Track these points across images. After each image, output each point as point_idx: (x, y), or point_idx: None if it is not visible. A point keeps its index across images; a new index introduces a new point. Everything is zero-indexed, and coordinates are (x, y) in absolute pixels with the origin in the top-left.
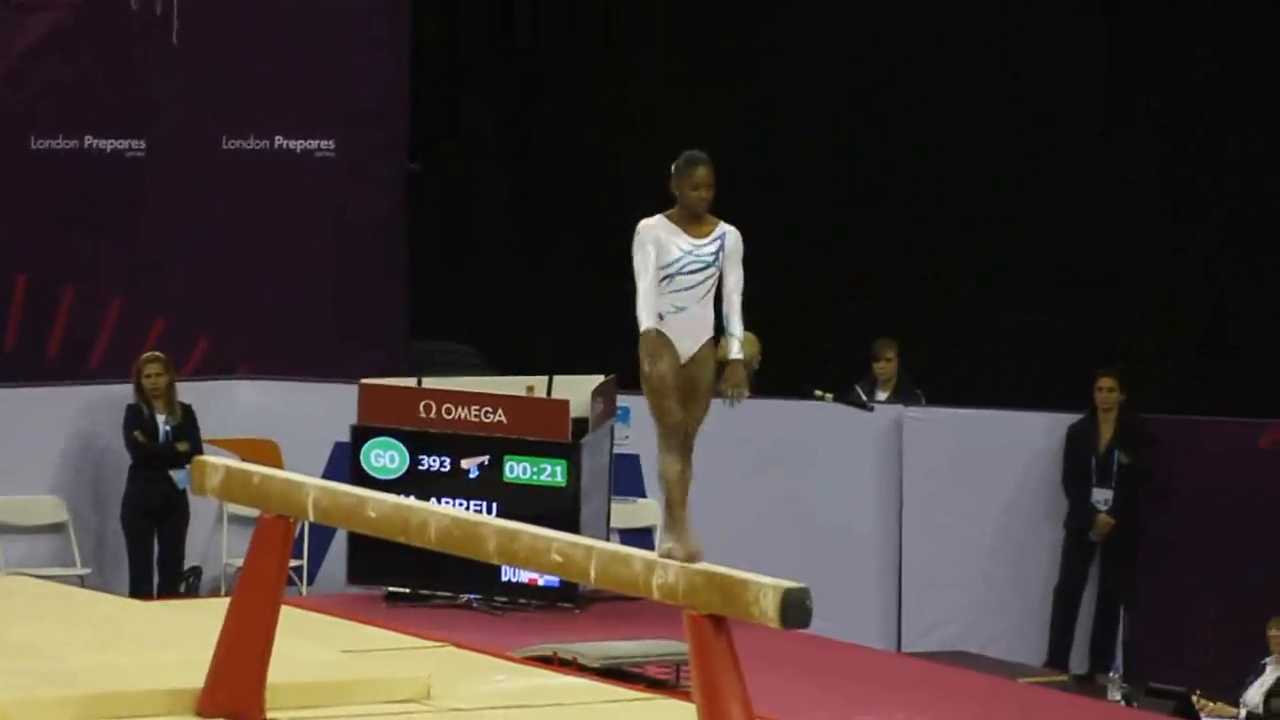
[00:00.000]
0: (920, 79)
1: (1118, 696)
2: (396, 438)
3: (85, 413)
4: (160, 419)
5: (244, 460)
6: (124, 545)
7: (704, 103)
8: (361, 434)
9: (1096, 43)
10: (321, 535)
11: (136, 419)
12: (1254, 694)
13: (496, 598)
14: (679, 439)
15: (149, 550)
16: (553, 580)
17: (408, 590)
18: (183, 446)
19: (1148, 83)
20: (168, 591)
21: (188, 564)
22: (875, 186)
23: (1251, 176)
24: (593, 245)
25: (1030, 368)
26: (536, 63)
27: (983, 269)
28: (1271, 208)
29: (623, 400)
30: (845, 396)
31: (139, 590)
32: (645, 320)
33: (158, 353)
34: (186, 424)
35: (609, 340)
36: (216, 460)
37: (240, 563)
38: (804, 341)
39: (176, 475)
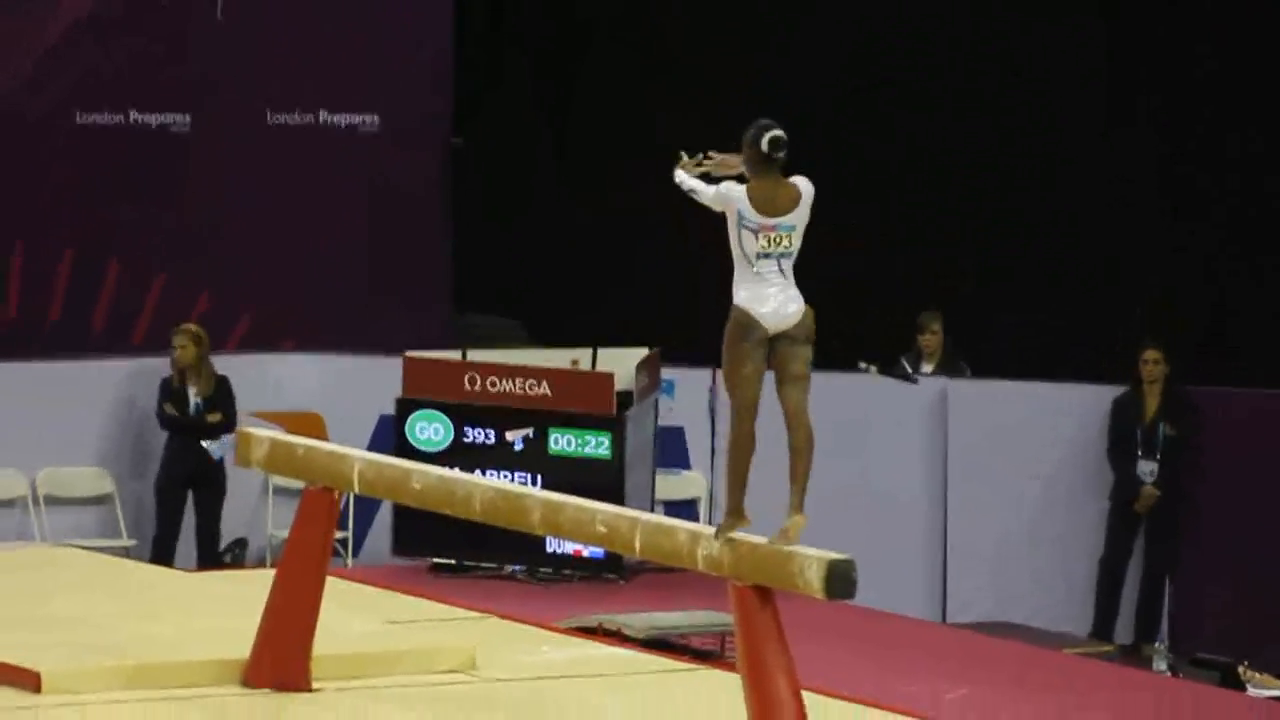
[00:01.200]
0: (962, 52)
1: (1163, 666)
2: (441, 410)
3: (130, 386)
4: (191, 391)
5: (289, 433)
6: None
7: (746, 58)
8: (406, 407)
9: None
10: (366, 507)
11: (167, 391)
12: None
13: (541, 569)
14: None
15: (178, 520)
16: (598, 552)
17: (453, 562)
18: (214, 418)
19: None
20: (207, 562)
21: (233, 536)
22: (921, 158)
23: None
24: (636, 221)
25: (1075, 340)
26: (580, 27)
27: (1028, 241)
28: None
29: (667, 373)
30: (890, 369)
31: (160, 559)
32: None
33: (189, 325)
34: (220, 395)
35: (653, 313)
36: (261, 432)
37: (285, 534)
38: (849, 314)
39: (210, 446)
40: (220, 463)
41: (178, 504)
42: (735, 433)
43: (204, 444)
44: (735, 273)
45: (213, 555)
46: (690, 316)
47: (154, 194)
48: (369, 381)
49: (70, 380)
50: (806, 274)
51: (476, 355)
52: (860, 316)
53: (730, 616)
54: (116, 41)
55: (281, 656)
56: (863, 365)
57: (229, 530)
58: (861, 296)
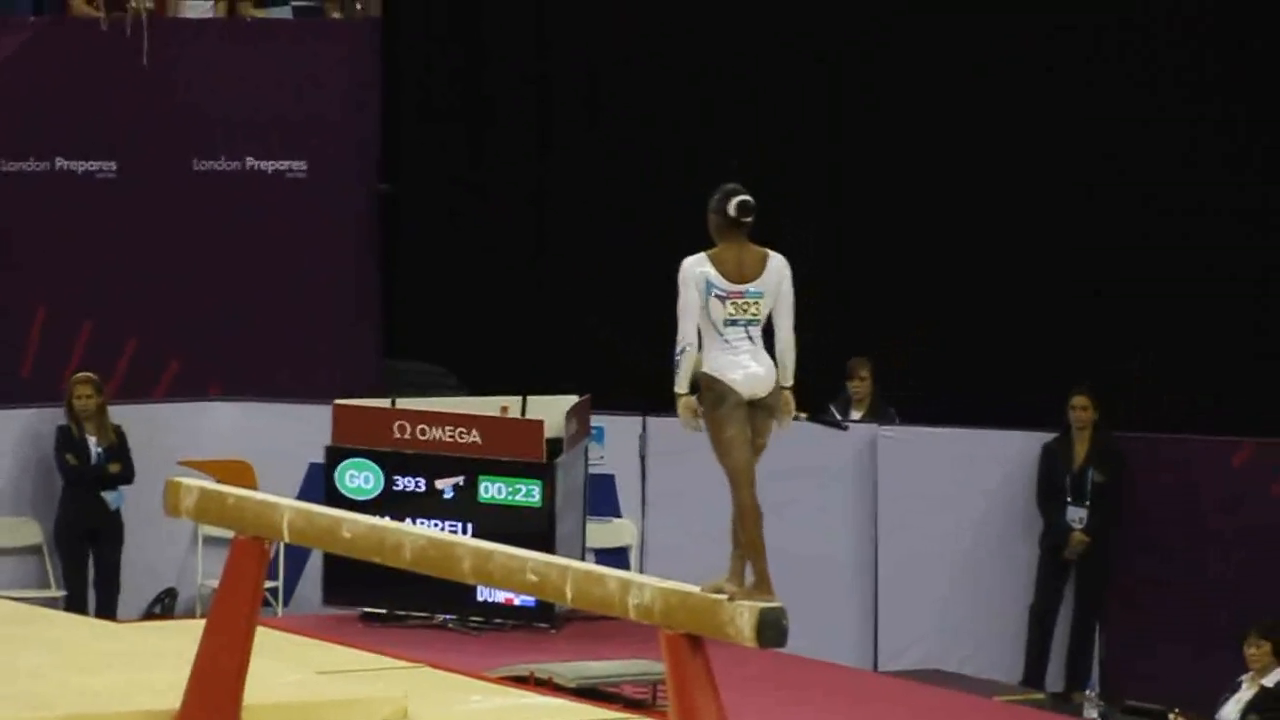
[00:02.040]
0: (886, 100)
1: (1094, 714)
2: (371, 458)
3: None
4: (91, 441)
5: (218, 481)
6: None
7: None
8: (336, 455)
9: (1060, 56)
10: (297, 556)
11: (67, 441)
12: (1230, 710)
13: (472, 618)
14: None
15: (84, 571)
16: (528, 600)
17: (383, 611)
18: (114, 468)
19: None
20: (105, 613)
21: (163, 585)
22: (848, 204)
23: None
24: (566, 268)
25: (1004, 387)
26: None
27: (957, 286)
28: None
29: (597, 420)
30: (819, 416)
31: (74, 611)
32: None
33: (89, 374)
34: (118, 446)
35: (583, 360)
36: (190, 481)
37: (215, 584)
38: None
39: (109, 497)
40: (118, 513)
41: (82, 556)
42: (736, 503)
43: (103, 495)
44: (703, 341)
45: (112, 605)
46: (620, 364)
47: (81, 241)
48: (298, 429)
49: None
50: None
51: (406, 403)
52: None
53: (661, 665)
54: (41, 88)
55: (211, 707)
56: None
57: (158, 580)
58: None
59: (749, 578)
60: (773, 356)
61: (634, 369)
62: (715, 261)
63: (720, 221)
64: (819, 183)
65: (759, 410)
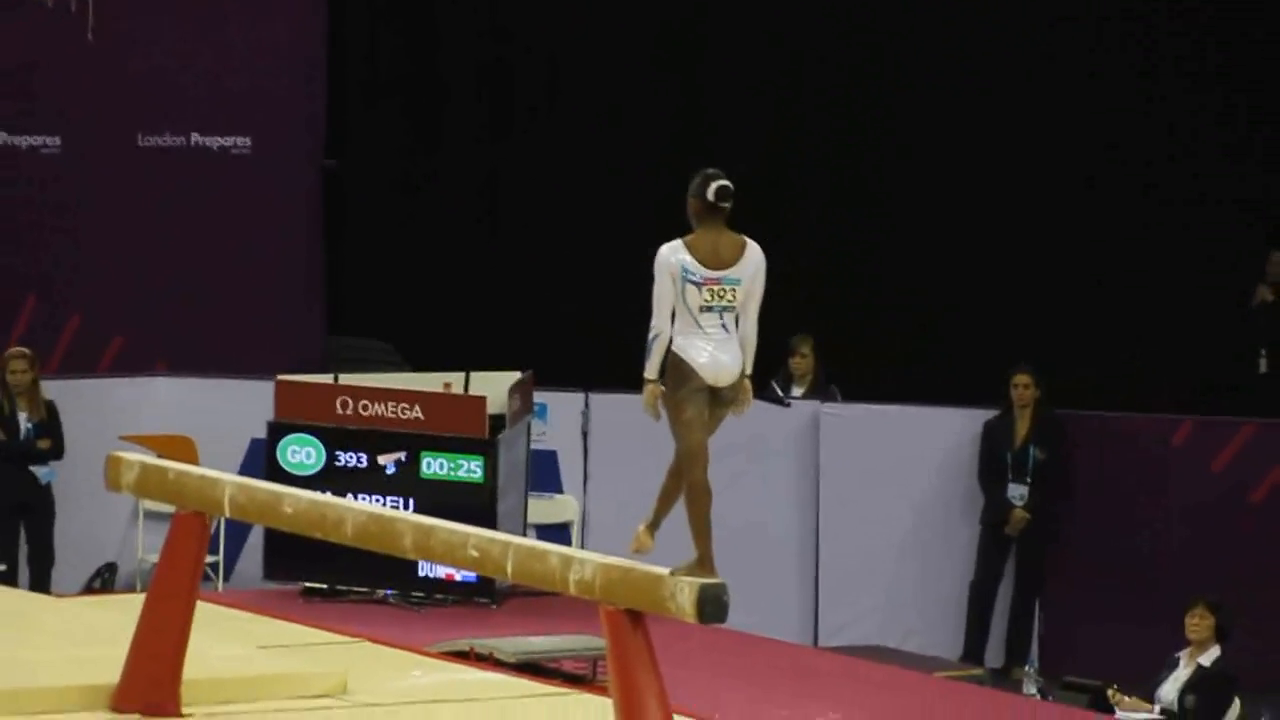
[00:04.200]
0: (831, 75)
1: (1033, 690)
2: (313, 434)
3: None
4: (21, 416)
5: (159, 456)
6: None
7: (613, 86)
8: (278, 430)
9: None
10: (238, 531)
11: None
12: (1168, 689)
13: (413, 593)
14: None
15: (16, 546)
16: (469, 576)
17: (324, 586)
18: (44, 444)
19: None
20: (40, 587)
21: (103, 560)
22: (792, 180)
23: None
24: (509, 244)
25: (946, 363)
26: (447, 57)
27: (898, 263)
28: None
29: (539, 397)
30: (762, 392)
31: (8, 585)
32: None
33: (23, 349)
34: (49, 422)
35: (526, 337)
36: (131, 456)
37: (156, 559)
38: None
39: (40, 471)
40: (49, 488)
41: (12, 532)
42: (688, 482)
43: (34, 469)
44: (678, 323)
45: (45, 580)
46: (563, 340)
47: (24, 217)
48: (240, 404)
49: None
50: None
51: (349, 378)
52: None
53: (602, 640)
54: None
55: (151, 681)
56: None
57: (98, 554)
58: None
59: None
60: None
61: (577, 346)
62: (691, 248)
63: (699, 206)
64: (764, 161)
65: (716, 399)
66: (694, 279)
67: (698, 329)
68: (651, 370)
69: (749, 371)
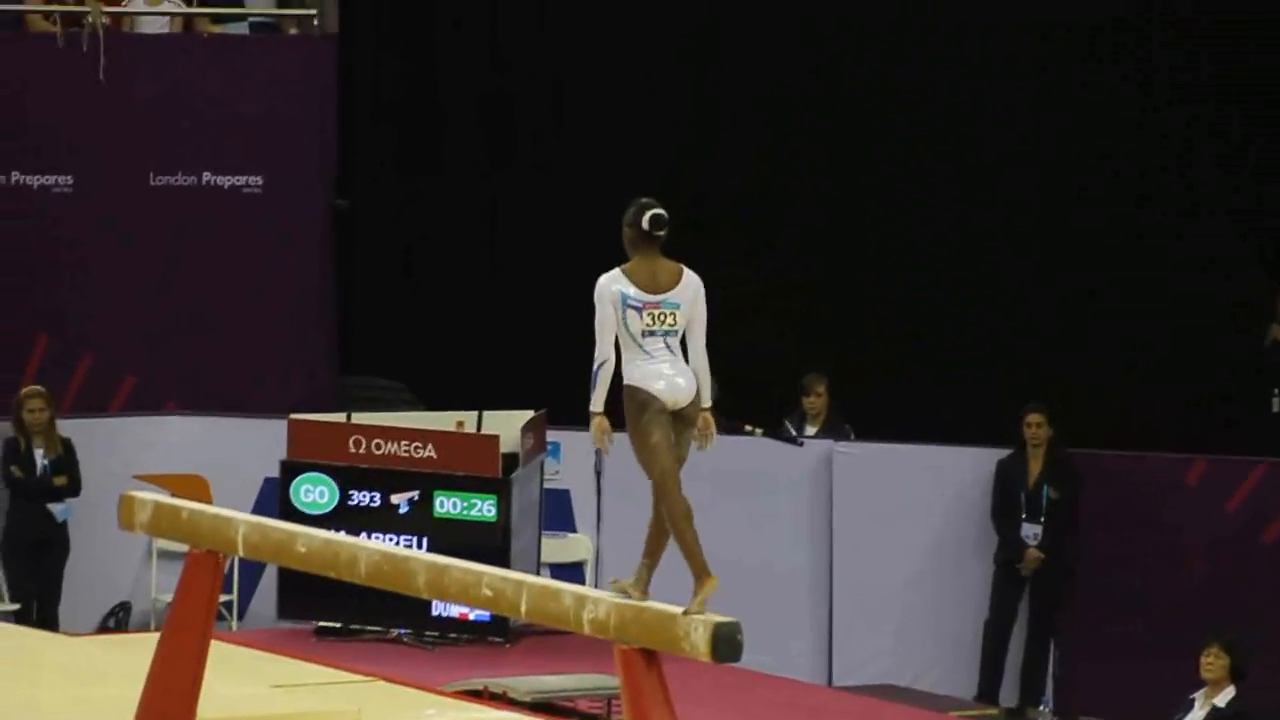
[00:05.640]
0: (838, 101)
1: None
2: (326, 473)
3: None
4: (38, 453)
5: (173, 496)
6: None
7: (624, 128)
8: (291, 469)
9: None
10: (251, 570)
11: (13, 453)
12: None
13: (427, 632)
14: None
15: (33, 584)
16: (483, 614)
17: (338, 625)
18: (60, 481)
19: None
20: (45, 625)
21: (117, 599)
22: (804, 220)
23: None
24: (521, 282)
25: (959, 403)
26: (460, 95)
27: (910, 303)
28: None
29: (552, 435)
30: (775, 431)
31: (25, 624)
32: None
33: (39, 387)
34: (66, 459)
35: (539, 375)
36: (145, 495)
37: (170, 598)
38: (733, 376)
39: (56, 509)
40: (64, 525)
41: (30, 569)
42: (668, 505)
43: (50, 506)
44: (623, 355)
45: (53, 617)
46: (576, 379)
47: (36, 256)
48: (253, 443)
49: None
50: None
51: (361, 417)
52: (745, 378)
53: (616, 679)
54: None
55: None
56: (748, 428)
57: (112, 593)
58: (746, 359)
59: (676, 581)
60: None
61: (589, 384)
62: (629, 274)
63: (634, 235)
64: (777, 197)
65: (678, 421)
66: (634, 304)
67: (644, 355)
68: (597, 403)
69: (707, 404)
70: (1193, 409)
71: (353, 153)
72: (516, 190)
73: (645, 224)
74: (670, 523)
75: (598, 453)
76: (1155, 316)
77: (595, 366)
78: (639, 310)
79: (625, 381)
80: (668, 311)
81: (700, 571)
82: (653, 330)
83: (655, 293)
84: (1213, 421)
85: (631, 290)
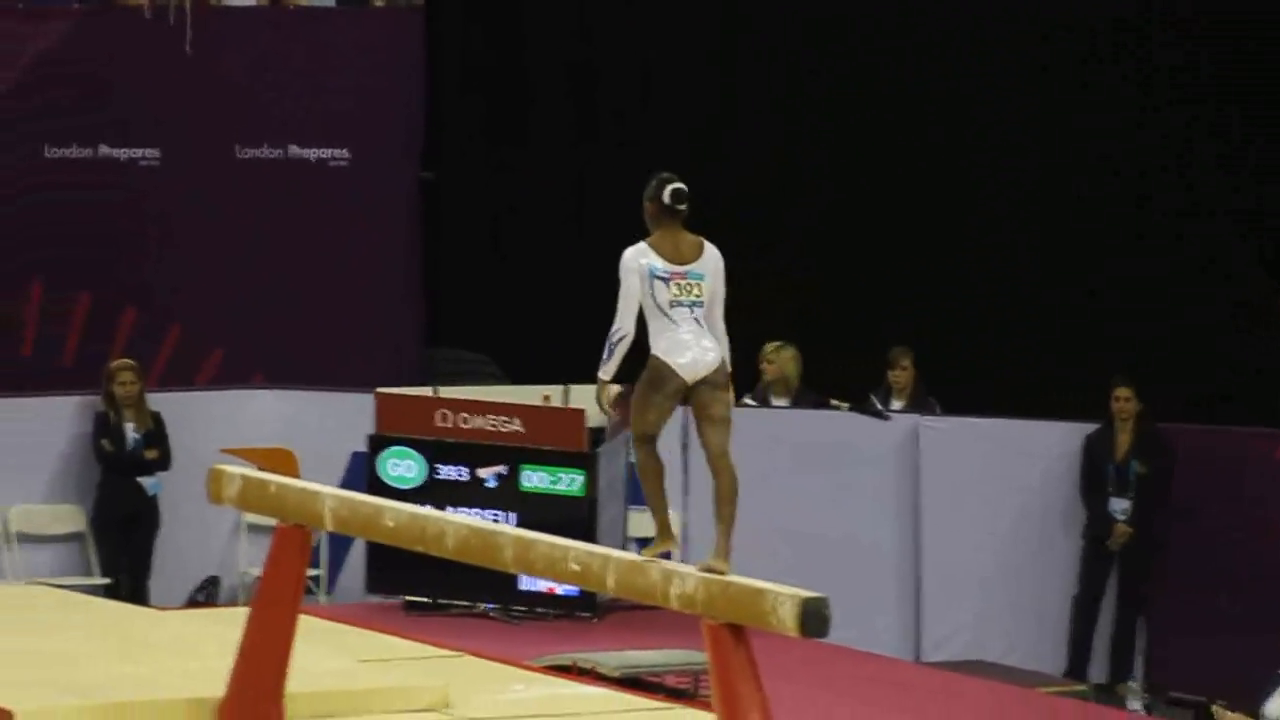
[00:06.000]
0: (937, 86)
1: (1138, 705)
2: (413, 447)
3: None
4: (128, 427)
5: (261, 469)
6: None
7: (710, 103)
8: (379, 443)
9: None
10: (340, 544)
11: (104, 427)
12: (1274, 706)
13: (514, 607)
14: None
15: (123, 558)
16: (571, 589)
17: (426, 599)
18: (151, 454)
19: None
20: (135, 599)
21: (205, 574)
22: (891, 194)
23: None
24: (608, 256)
25: (1047, 376)
26: (547, 65)
27: (998, 276)
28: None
29: None
30: (861, 406)
31: (116, 598)
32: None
33: (130, 360)
34: (156, 432)
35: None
36: (233, 469)
37: (258, 572)
38: (820, 350)
39: (146, 482)
40: (155, 499)
41: (121, 543)
42: (639, 462)
43: (141, 480)
44: (650, 326)
45: (143, 591)
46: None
47: (124, 228)
48: (341, 417)
49: (42, 416)
50: (778, 309)
51: (449, 391)
52: (831, 352)
53: (704, 655)
54: (85, 76)
55: (255, 695)
56: (834, 402)
57: (201, 568)
58: (832, 332)
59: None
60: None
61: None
62: (654, 247)
63: (656, 209)
64: (860, 174)
65: (704, 387)
66: (661, 275)
67: (672, 325)
68: (607, 372)
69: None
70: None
71: (439, 125)
72: (603, 162)
73: (666, 198)
74: (641, 479)
75: (684, 428)
76: (1244, 287)
77: (614, 337)
78: (666, 281)
79: (652, 351)
80: (693, 282)
81: (662, 527)
82: (680, 301)
83: (680, 264)
84: None
85: (659, 263)
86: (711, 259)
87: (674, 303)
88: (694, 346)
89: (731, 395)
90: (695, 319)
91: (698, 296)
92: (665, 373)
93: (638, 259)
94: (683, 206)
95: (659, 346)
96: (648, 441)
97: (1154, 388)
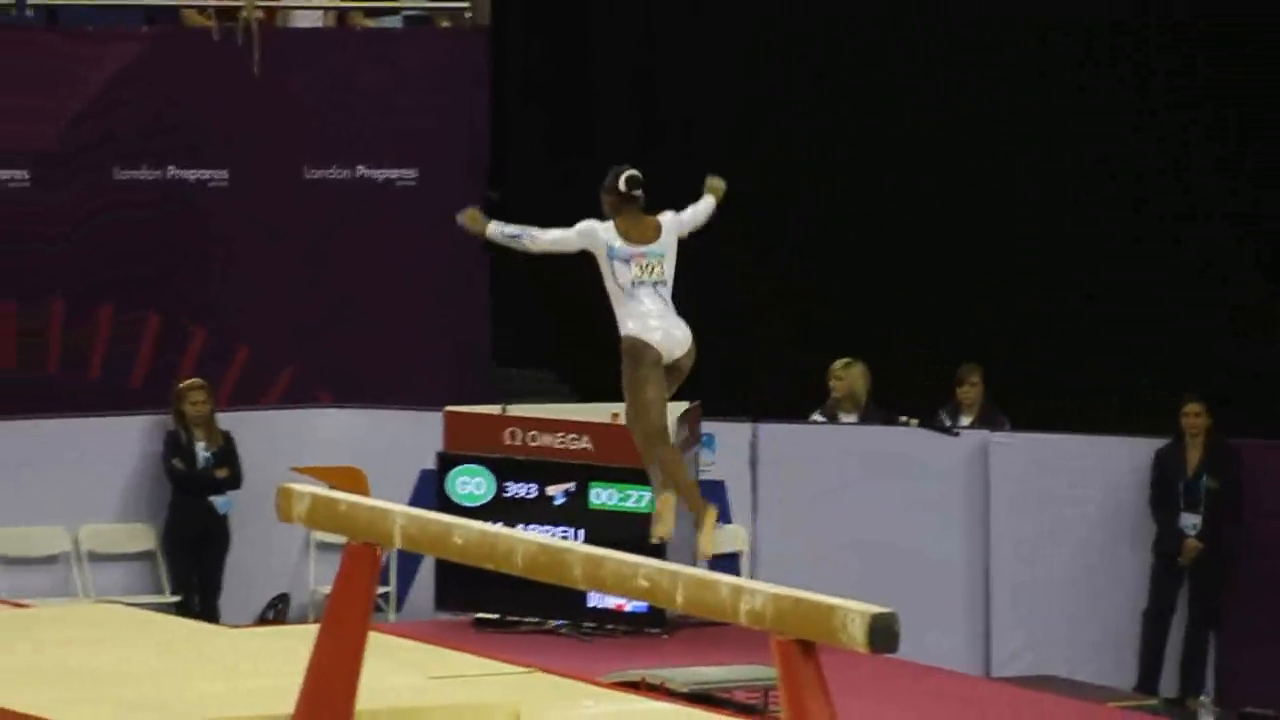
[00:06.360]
0: (1004, 97)
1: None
2: (482, 465)
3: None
4: (199, 446)
5: (330, 488)
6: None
7: (776, 116)
8: (447, 461)
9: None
10: (409, 561)
11: (175, 446)
12: None
13: (584, 623)
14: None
15: (194, 576)
16: (640, 606)
17: (495, 616)
18: (222, 473)
19: (1211, 95)
20: (205, 617)
21: (275, 591)
22: (958, 212)
23: None
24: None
25: (1115, 392)
26: (613, 85)
27: (1069, 293)
28: None
29: (707, 427)
30: (930, 422)
31: (184, 615)
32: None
33: (200, 380)
34: (227, 451)
35: (694, 367)
36: (302, 488)
37: (328, 589)
38: (888, 367)
39: (217, 501)
40: (225, 519)
41: (191, 562)
42: (662, 457)
43: (211, 499)
44: (615, 309)
45: (213, 610)
46: (732, 371)
47: (192, 249)
48: (410, 435)
49: (112, 436)
50: (846, 328)
51: (517, 409)
52: (899, 369)
53: (773, 670)
54: (154, 97)
55: (324, 713)
56: (903, 418)
57: (270, 585)
58: (900, 349)
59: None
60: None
61: (744, 376)
62: (616, 229)
63: (614, 199)
64: (928, 190)
65: (675, 374)
66: (622, 256)
67: (636, 303)
68: (495, 223)
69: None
70: None
71: (504, 142)
72: (667, 173)
73: (622, 186)
74: (665, 470)
75: (752, 445)
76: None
77: (521, 236)
78: (627, 262)
79: (622, 334)
80: (654, 261)
81: (695, 504)
82: (642, 280)
83: (640, 244)
84: None
85: (618, 243)
86: (669, 230)
87: (636, 282)
88: (662, 324)
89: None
90: (660, 297)
91: (660, 276)
92: (639, 346)
93: (600, 232)
94: (638, 192)
95: (627, 326)
96: (660, 436)
97: (1224, 403)
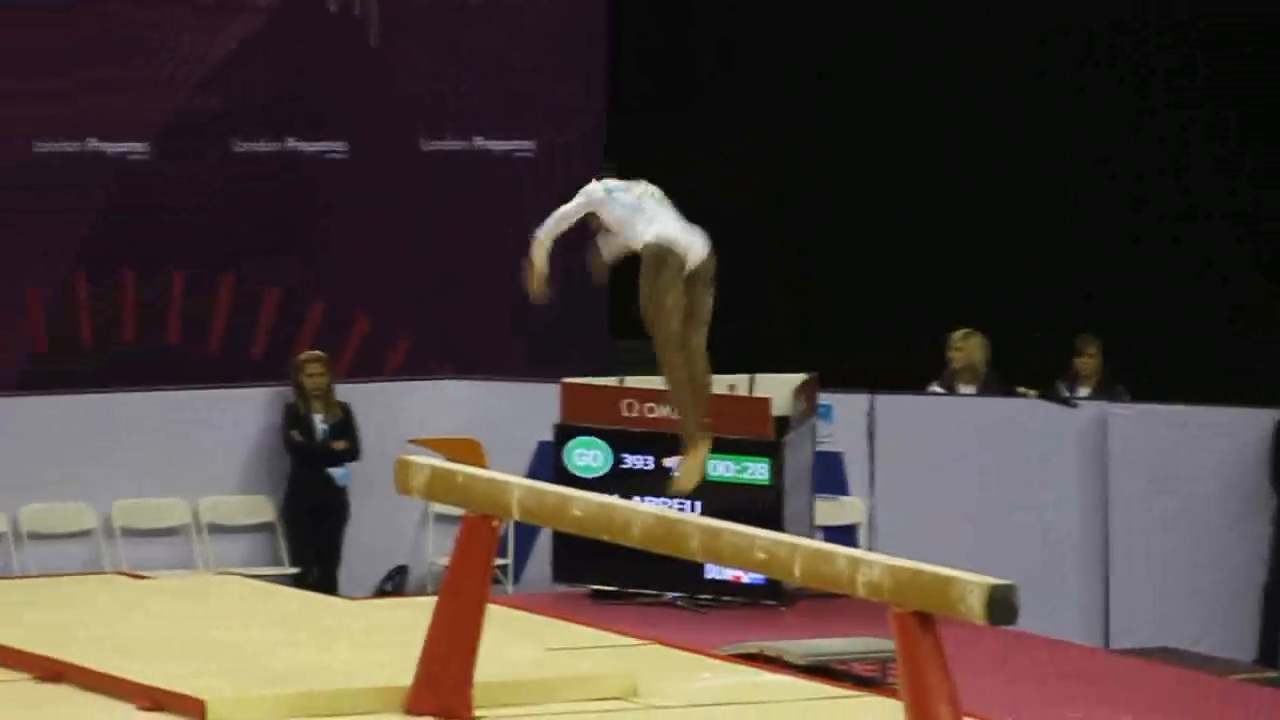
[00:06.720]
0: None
1: None
2: (599, 436)
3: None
4: (317, 418)
5: (448, 460)
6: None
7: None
8: (565, 433)
9: None
10: (526, 534)
11: (294, 418)
12: None
13: (700, 595)
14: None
15: (312, 548)
16: (757, 578)
17: (613, 588)
18: (340, 445)
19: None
20: (324, 588)
21: (394, 563)
22: (1075, 182)
23: None
24: (792, 246)
25: (1235, 362)
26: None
27: (1185, 264)
28: None
29: (824, 398)
30: (1048, 393)
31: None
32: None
33: (319, 352)
34: (345, 423)
35: (810, 338)
36: (420, 460)
37: (446, 561)
38: (1006, 339)
39: (335, 473)
40: (344, 490)
41: (310, 533)
42: (667, 369)
43: (330, 470)
44: (630, 233)
45: (332, 581)
46: (848, 341)
47: (311, 222)
48: (527, 407)
49: (232, 408)
50: (963, 299)
51: (634, 381)
52: (1017, 341)
53: (891, 643)
54: (271, 70)
55: (443, 684)
56: (1020, 390)
57: (388, 557)
58: (1019, 320)
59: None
60: None
61: (862, 347)
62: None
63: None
64: (1045, 163)
65: (699, 283)
66: (620, 188)
67: (649, 215)
68: (545, 232)
69: None
70: None
71: (623, 116)
72: (791, 154)
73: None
74: (670, 384)
75: (869, 416)
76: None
77: (561, 210)
78: (627, 190)
79: (644, 241)
80: (650, 190)
81: (692, 428)
82: (646, 195)
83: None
84: None
85: (612, 180)
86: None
87: (641, 196)
88: (680, 229)
89: (712, 295)
90: (668, 208)
91: (660, 197)
92: (662, 252)
93: (597, 187)
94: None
95: (648, 235)
96: (672, 347)
97: None
